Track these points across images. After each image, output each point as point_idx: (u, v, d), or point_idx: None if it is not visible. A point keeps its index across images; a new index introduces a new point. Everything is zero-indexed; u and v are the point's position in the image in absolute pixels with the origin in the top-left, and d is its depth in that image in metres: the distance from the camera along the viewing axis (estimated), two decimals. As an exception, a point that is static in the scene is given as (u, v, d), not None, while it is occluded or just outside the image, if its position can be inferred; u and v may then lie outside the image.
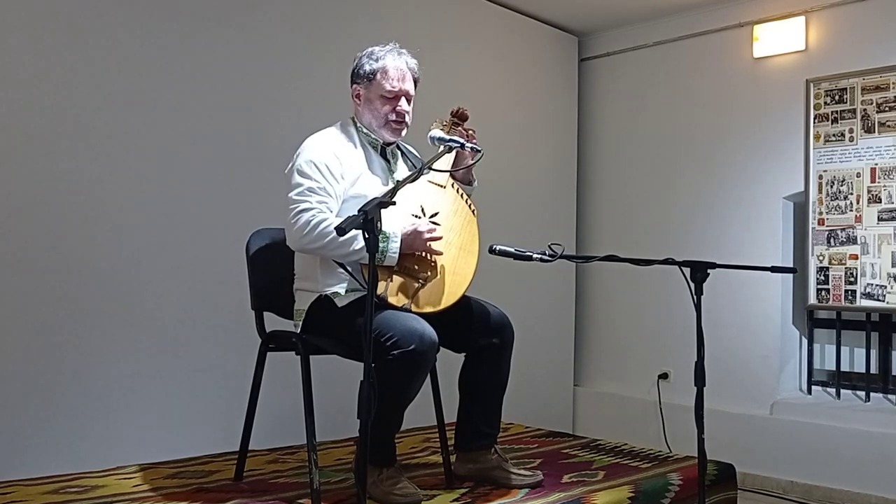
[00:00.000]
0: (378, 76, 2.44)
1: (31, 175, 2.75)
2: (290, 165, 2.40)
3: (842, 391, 3.98)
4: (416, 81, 2.52)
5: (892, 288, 3.68)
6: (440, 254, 2.37)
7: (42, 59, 2.77)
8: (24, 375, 2.71)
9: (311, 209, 2.28)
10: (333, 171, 2.35)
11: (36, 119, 2.76)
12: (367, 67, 2.46)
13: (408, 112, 2.48)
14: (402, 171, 2.54)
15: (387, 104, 2.44)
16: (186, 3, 3.13)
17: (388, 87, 2.44)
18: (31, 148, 2.75)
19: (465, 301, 2.44)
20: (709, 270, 2.28)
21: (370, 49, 2.50)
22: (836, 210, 3.86)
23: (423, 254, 2.34)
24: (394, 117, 2.45)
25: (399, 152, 2.59)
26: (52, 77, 2.79)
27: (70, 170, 2.83)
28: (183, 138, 3.11)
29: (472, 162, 2.49)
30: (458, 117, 2.58)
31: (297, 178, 2.33)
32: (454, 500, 2.38)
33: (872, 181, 3.76)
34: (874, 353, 3.88)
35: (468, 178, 2.58)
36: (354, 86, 2.50)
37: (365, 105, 2.48)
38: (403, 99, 2.46)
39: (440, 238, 2.34)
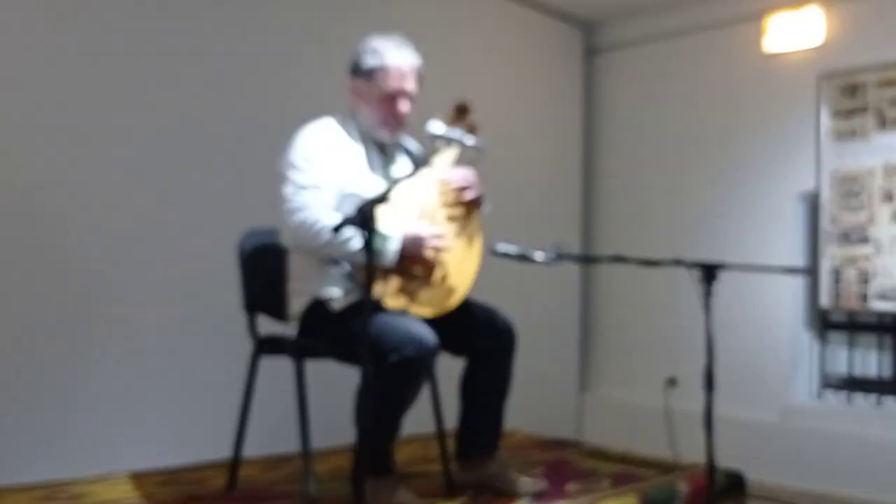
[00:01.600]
0: (378, 74, 2.37)
1: (24, 176, 2.72)
2: (284, 158, 2.34)
3: (854, 396, 3.93)
4: (418, 78, 2.44)
5: (905, 289, 3.62)
6: (442, 258, 2.32)
7: (27, 53, 2.74)
8: (13, 381, 2.68)
9: (308, 206, 2.23)
10: (328, 165, 2.30)
11: (23, 117, 2.73)
12: (367, 64, 2.39)
13: (406, 112, 2.42)
14: (400, 165, 2.49)
15: (385, 103, 2.38)
16: (178, 0, 3.09)
17: (388, 88, 2.37)
18: (25, 148, 2.72)
19: (466, 303, 2.41)
20: (719, 271, 2.25)
21: (372, 43, 2.41)
22: (848, 209, 3.79)
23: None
24: (393, 117, 2.40)
25: (399, 147, 2.54)
26: (38, 73, 2.76)
27: (62, 170, 2.80)
28: (174, 137, 3.07)
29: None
30: (461, 111, 2.51)
31: (291, 174, 2.28)
32: (454, 510, 2.34)
33: (886, 179, 3.70)
34: (887, 357, 3.83)
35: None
36: (353, 81, 2.44)
37: (363, 101, 2.42)
38: (403, 99, 2.40)
39: (443, 249, 2.30)
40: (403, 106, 2.40)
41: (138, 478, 2.65)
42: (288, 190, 2.26)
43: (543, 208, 4.56)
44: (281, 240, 2.33)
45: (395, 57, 2.38)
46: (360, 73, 2.40)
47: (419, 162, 2.40)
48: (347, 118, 2.46)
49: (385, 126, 2.41)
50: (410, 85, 2.41)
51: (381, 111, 2.39)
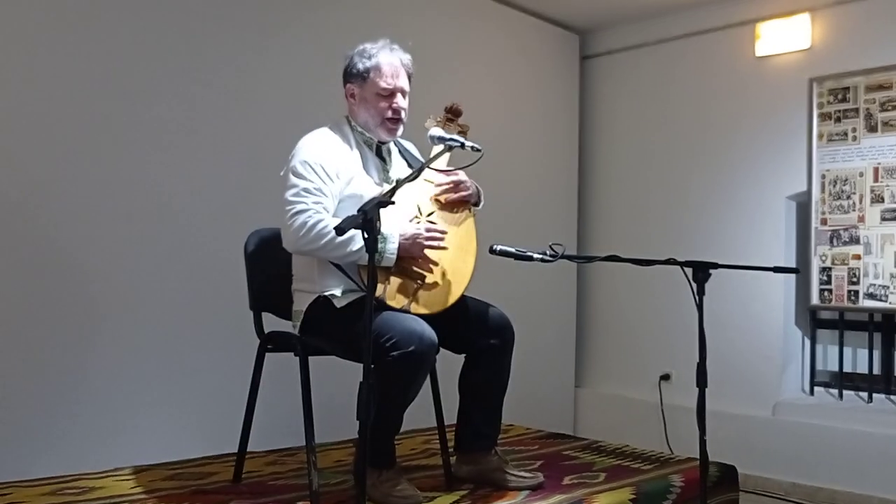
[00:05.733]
0: (372, 74, 2.42)
1: (30, 174, 2.75)
2: (285, 167, 2.38)
3: (844, 392, 3.97)
4: (409, 76, 2.49)
5: (894, 288, 3.67)
6: (439, 257, 2.36)
7: (39, 56, 2.76)
8: (23, 377, 2.71)
9: (308, 210, 2.27)
10: (328, 171, 2.34)
11: (32, 118, 2.75)
12: (360, 66, 2.43)
13: (404, 108, 2.46)
14: (398, 168, 2.53)
15: (382, 101, 2.42)
16: (183, 3, 3.12)
17: (383, 85, 2.41)
18: (30, 148, 2.74)
19: (465, 302, 2.43)
20: (711, 271, 2.27)
21: (361, 47, 2.47)
22: (838, 210, 3.85)
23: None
24: (390, 114, 2.43)
25: (395, 150, 2.58)
26: (48, 75, 2.78)
27: (68, 169, 2.82)
28: (181, 138, 3.10)
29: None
30: (452, 113, 2.56)
31: (293, 179, 2.32)
32: (454, 503, 2.37)
33: (875, 181, 3.75)
34: (877, 354, 3.87)
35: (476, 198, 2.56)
36: (348, 85, 2.48)
37: (360, 104, 2.46)
38: (399, 95, 2.44)
39: (441, 247, 2.34)
40: (401, 102, 2.44)
41: (145, 472, 2.66)
42: (289, 195, 2.30)
43: (541, 209, 4.60)
44: (283, 244, 2.34)
45: (387, 56, 2.43)
46: (355, 75, 2.45)
47: (415, 164, 2.44)
48: (344, 124, 2.50)
49: (383, 125, 2.44)
50: (404, 82, 2.45)
51: (378, 111, 2.42)
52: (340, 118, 2.53)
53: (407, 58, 2.48)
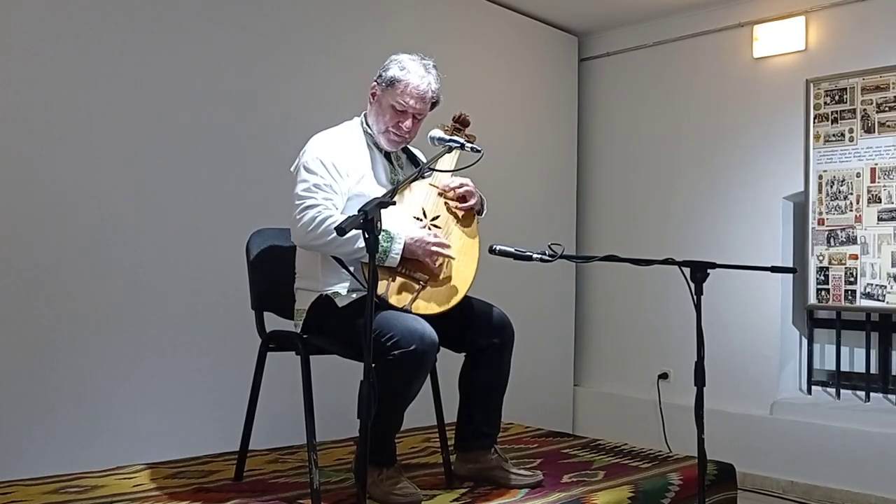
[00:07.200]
0: (397, 86, 2.42)
1: (32, 175, 2.75)
2: (295, 163, 2.42)
3: (842, 391, 3.99)
4: (433, 105, 2.50)
5: (891, 288, 3.69)
6: (444, 258, 2.38)
7: (43, 57, 2.77)
8: (24, 375, 2.71)
9: (317, 205, 2.29)
10: (339, 168, 2.37)
11: (36, 119, 2.76)
12: (391, 72, 2.44)
13: (409, 130, 2.47)
14: (405, 171, 2.55)
15: (393, 115, 2.44)
16: (189, 3, 3.13)
17: (401, 101, 2.42)
18: (31, 148, 2.75)
19: (465, 301, 2.44)
20: (709, 270, 2.28)
21: (402, 56, 2.47)
22: (835, 210, 3.86)
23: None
24: (394, 129, 2.45)
25: (404, 155, 2.60)
26: (53, 76, 2.79)
27: (70, 170, 2.83)
28: (184, 138, 3.11)
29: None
30: (460, 122, 2.59)
31: (304, 175, 2.35)
32: (454, 500, 2.39)
33: (872, 181, 3.77)
34: (874, 353, 3.89)
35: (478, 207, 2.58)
36: (374, 84, 2.50)
37: (375, 106, 2.49)
38: (411, 117, 2.45)
39: (448, 256, 2.36)
40: (407, 123, 2.45)
41: (147, 470, 2.67)
42: (300, 190, 2.33)
43: (540, 209, 4.61)
44: (291, 238, 2.38)
45: (418, 77, 2.43)
46: (383, 79, 2.46)
47: (422, 167, 2.47)
48: (356, 125, 2.53)
49: (385, 134, 2.47)
50: (422, 107, 2.45)
51: (386, 121, 2.44)
52: (354, 118, 2.55)
53: (436, 87, 2.47)
